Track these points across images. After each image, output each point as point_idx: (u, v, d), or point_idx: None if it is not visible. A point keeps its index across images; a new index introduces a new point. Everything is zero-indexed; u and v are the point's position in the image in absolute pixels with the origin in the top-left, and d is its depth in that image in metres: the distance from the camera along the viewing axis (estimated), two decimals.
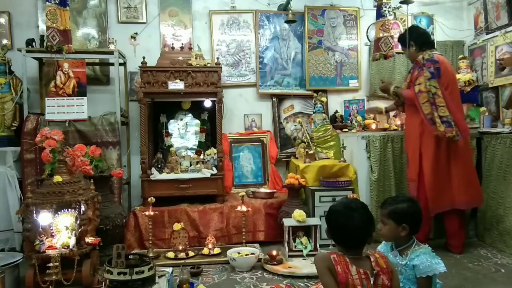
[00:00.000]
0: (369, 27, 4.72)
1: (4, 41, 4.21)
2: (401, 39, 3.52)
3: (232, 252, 3.12)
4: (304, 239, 3.20)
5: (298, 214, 3.18)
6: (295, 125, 4.65)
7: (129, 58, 4.34)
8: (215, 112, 3.88)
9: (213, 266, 3.09)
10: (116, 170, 3.50)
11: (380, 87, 3.76)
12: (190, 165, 3.92)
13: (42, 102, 3.96)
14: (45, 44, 3.70)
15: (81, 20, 4.33)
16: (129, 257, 2.39)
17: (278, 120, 4.67)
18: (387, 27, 3.87)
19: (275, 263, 3.00)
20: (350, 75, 4.75)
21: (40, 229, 2.64)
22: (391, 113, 4.26)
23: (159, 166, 3.87)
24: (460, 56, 4.46)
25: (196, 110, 4.31)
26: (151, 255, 3.05)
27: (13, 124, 3.83)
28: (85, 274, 2.61)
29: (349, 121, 4.43)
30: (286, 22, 4.47)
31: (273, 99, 4.69)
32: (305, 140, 4.15)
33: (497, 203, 3.40)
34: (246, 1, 4.62)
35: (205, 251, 3.27)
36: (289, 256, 3.13)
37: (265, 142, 4.52)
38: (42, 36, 3.89)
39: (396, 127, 3.96)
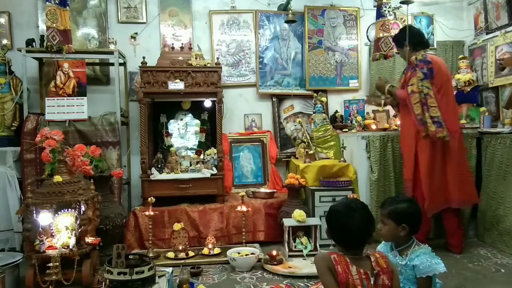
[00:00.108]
0: (369, 27, 4.73)
1: (4, 41, 4.21)
2: (396, 39, 3.53)
3: (232, 252, 3.12)
4: (304, 239, 3.20)
5: (298, 214, 3.18)
6: (295, 125, 4.65)
7: (129, 58, 4.34)
8: (215, 112, 3.88)
9: (213, 266, 3.09)
10: (116, 170, 3.50)
11: (376, 84, 3.77)
12: (190, 165, 3.92)
13: (42, 102, 3.96)
14: (45, 44, 3.70)
15: (81, 20, 4.33)
16: (129, 257, 2.39)
17: (278, 120, 4.67)
18: (387, 27, 3.88)
19: (275, 263, 3.00)
20: (350, 75, 4.75)
21: (40, 229, 2.64)
22: (391, 113, 4.26)
23: (159, 166, 3.87)
24: (460, 56, 4.46)
25: (196, 110, 4.31)
26: (151, 255, 3.05)
27: (13, 124, 3.83)
28: (85, 274, 2.61)
29: (349, 121, 4.43)
30: (286, 22, 4.47)
31: (273, 99, 4.69)
32: (305, 140, 4.15)
33: (497, 203, 3.40)
34: (246, 1, 4.62)
35: (205, 251, 3.27)
36: (289, 256, 3.13)
37: (265, 142, 4.52)
38: (42, 36, 3.90)
39: (396, 127, 3.96)
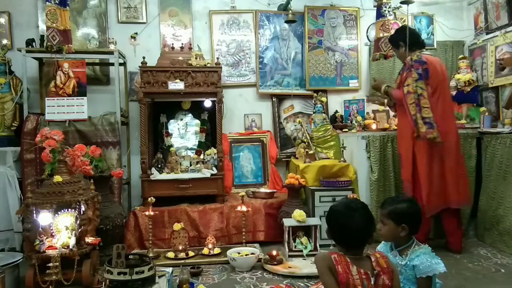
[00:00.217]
0: (369, 27, 4.73)
1: (4, 41, 4.21)
2: (391, 40, 3.54)
3: (232, 252, 3.12)
4: (304, 239, 3.20)
5: (298, 214, 3.18)
6: (295, 125, 4.65)
7: (129, 58, 4.34)
8: (215, 112, 3.88)
9: (213, 266, 3.09)
10: (116, 170, 3.50)
11: (372, 84, 3.78)
12: (190, 165, 3.92)
13: (42, 102, 3.96)
14: (45, 44, 3.70)
15: (81, 20, 4.33)
16: (129, 257, 2.39)
17: (278, 120, 4.67)
18: (387, 27, 3.88)
19: (275, 263, 3.00)
20: (350, 75, 4.75)
21: (40, 229, 2.64)
22: (391, 113, 4.26)
23: (159, 166, 3.87)
24: (460, 56, 4.47)
25: (196, 110, 4.31)
26: (151, 255, 3.05)
27: (13, 124, 3.83)
28: (85, 274, 2.61)
29: (349, 121, 4.43)
30: (286, 22, 4.47)
31: (273, 99, 4.69)
32: (305, 140, 4.15)
33: (497, 203, 3.40)
34: (246, 1, 4.62)
35: (205, 251, 3.27)
36: (289, 256, 3.13)
37: (265, 142, 4.52)
38: (42, 36, 3.89)
39: (396, 127, 3.96)
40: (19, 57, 3.80)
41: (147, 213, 3.26)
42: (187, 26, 4.51)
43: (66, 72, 3.78)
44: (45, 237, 2.64)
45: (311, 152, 3.99)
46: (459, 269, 2.92)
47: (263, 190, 4.10)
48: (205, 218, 3.60)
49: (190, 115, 4.32)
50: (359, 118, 4.22)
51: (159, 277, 2.45)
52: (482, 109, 4.12)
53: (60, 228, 2.70)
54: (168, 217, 3.57)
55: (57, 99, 3.73)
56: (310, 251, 3.14)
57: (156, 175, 3.69)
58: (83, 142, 3.63)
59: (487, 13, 4.31)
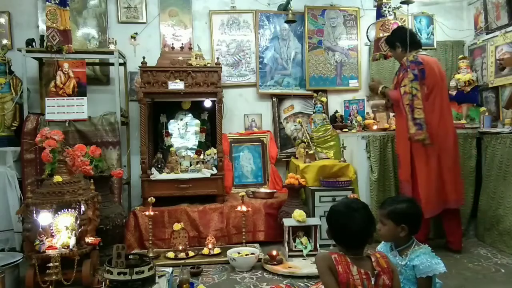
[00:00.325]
0: (369, 27, 4.73)
1: (4, 41, 4.21)
2: (388, 41, 3.54)
3: (232, 252, 3.12)
4: (304, 239, 3.20)
5: (298, 214, 3.18)
6: (295, 125, 4.65)
7: (129, 58, 4.34)
8: (215, 112, 3.88)
9: (213, 266, 3.09)
10: (116, 170, 3.50)
11: (369, 85, 3.79)
12: (190, 165, 3.92)
13: (42, 102, 3.96)
14: (45, 44, 3.70)
15: (81, 20, 4.33)
16: (129, 257, 2.39)
17: (278, 120, 4.67)
18: (387, 27, 3.87)
19: (275, 263, 3.00)
20: (350, 75, 4.75)
21: (40, 229, 2.64)
22: (391, 114, 4.26)
23: (159, 166, 3.87)
24: (460, 56, 4.47)
25: (196, 110, 4.31)
26: (151, 255, 3.05)
27: (13, 124, 3.83)
28: (85, 274, 2.61)
29: (349, 121, 4.43)
30: (286, 22, 4.47)
31: (273, 99, 4.69)
32: (305, 140, 4.15)
33: (497, 203, 3.40)
34: (246, 1, 4.62)
35: (205, 251, 3.27)
36: (289, 256, 3.13)
37: (265, 142, 4.52)
38: (42, 36, 3.89)
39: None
40: (19, 57, 3.80)
41: (147, 213, 3.26)
42: (187, 26, 4.51)
43: (66, 72, 3.78)
44: (45, 237, 2.63)
45: (311, 152, 3.99)
46: (459, 269, 2.92)
47: (263, 190, 4.10)
48: (205, 218, 3.60)
49: (190, 115, 4.32)
50: (359, 118, 4.22)
51: (159, 277, 2.45)
52: (482, 109, 4.13)
53: (60, 228, 2.70)
54: (168, 217, 3.57)
55: (57, 99, 3.73)
56: (310, 251, 3.14)
57: (156, 175, 3.69)
58: (83, 142, 3.63)
59: (487, 13, 4.31)
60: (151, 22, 4.47)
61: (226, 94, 4.27)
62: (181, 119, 4.31)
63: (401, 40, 3.33)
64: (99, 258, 2.90)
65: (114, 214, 3.31)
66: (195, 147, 4.25)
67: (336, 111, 4.56)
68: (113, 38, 4.18)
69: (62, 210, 2.73)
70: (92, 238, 2.78)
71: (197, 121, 4.32)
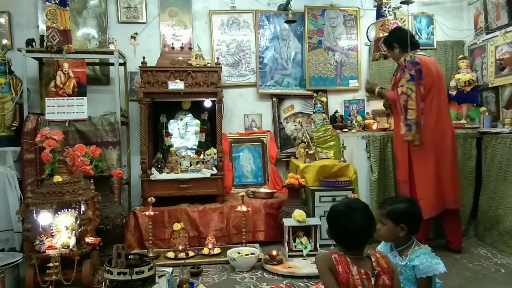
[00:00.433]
0: (369, 27, 4.73)
1: (4, 41, 4.21)
2: (385, 41, 3.55)
3: (232, 252, 3.12)
4: (304, 239, 3.20)
5: (298, 214, 3.18)
6: (295, 125, 4.65)
7: (129, 58, 4.34)
8: (215, 112, 3.88)
9: (213, 266, 3.09)
10: (116, 170, 3.50)
11: (366, 87, 3.80)
12: (190, 165, 3.92)
13: (42, 102, 3.96)
14: (45, 44, 3.70)
15: (81, 20, 4.33)
16: (129, 257, 2.39)
17: (278, 120, 4.67)
18: (387, 27, 3.87)
19: (275, 263, 3.00)
20: (350, 75, 4.75)
21: (40, 229, 2.64)
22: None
23: (159, 166, 3.87)
24: (460, 56, 4.47)
25: (196, 110, 4.31)
26: (151, 255, 3.05)
27: (13, 124, 3.83)
28: (85, 274, 2.61)
29: (349, 121, 4.43)
30: (286, 22, 4.47)
31: (273, 99, 4.69)
32: (305, 140, 4.15)
33: (497, 203, 3.40)
34: (246, 1, 4.62)
35: (205, 251, 3.27)
36: (289, 256, 3.13)
37: (265, 142, 4.52)
38: (42, 36, 3.89)
39: None
40: (19, 57, 3.80)
41: (147, 213, 3.26)
42: (187, 26, 4.51)
43: (66, 72, 3.78)
44: (45, 237, 2.63)
45: (311, 152, 3.99)
46: (459, 269, 2.92)
47: (263, 190, 4.10)
48: (205, 218, 3.60)
49: (190, 115, 4.32)
50: (359, 118, 4.22)
51: (159, 277, 2.45)
52: (482, 109, 4.13)
53: (60, 228, 2.70)
54: (168, 217, 3.57)
55: (57, 99, 3.73)
56: (310, 251, 3.14)
57: (156, 175, 3.69)
58: (83, 142, 3.63)
59: (487, 13, 4.31)
60: (151, 22, 4.47)
61: (226, 94, 4.27)
62: (181, 119, 4.31)
63: (399, 41, 3.34)
64: (99, 258, 2.90)
65: (114, 214, 3.31)
66: (195, 147, 4.25)
67: (336, 111, 4.56)
68: (113, 38, 4.18)
69: (62, 210, 2.73)
70: (92, 238, 2.78)
71: (197, 121, 4.32)
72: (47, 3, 3.61)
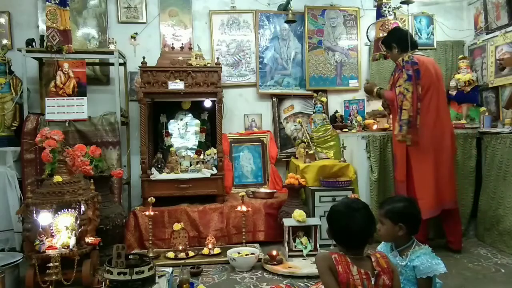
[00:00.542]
0: (369, 27, 4.73)
1: (4, 41, 4.21)
2: (384, 41, 3.56)
3: (232, 252, 3.12)
4: (304, 239, 3.20)
5: (298, 214, 3.18)
6: (295, 125, 4.65)
7: (129, 58, 4.34)
8: (215, 112, 3.88)
9: (213, 266, 3.09)
10: (116, 170, 3.50)
11: (365, 87, 3.80)
12: (190, 165, 3.92)
13: (42, 102, 3.96)
14: (45, 44, 3.70)
15: (81, 20, 4.33)
16: (129, 257, 2.39)
17: (278, 120, 4.67)
18: (387, 27, 3.87)
19: (275, 263, 3.00)
20: (350, 75, 4.75)
21: (40, 229, 2.64)
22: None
23: (159, 166, 3.87)
24: (460, 56, 4.47)
25: (196, 110, 4.31)
26: (151, 255, 3.05)
27: (13, 124, 3.83)
28: (85, 274, 2.61)
29: (349, 121, 4.43)
30: (286, 22, 4.47)
31: (273, 99, 4.69)
32: (305, 140, 4.15)
33: (497, 203, 3.40)
34: (246, 1, 4.62)
35: (205, 251, 3.27)
36: (289, 256, 3.13)
37: (265, 142, 4.52)
38: (42, 36, 3.89)
39: None
40: (19, 57, 3.79)
41: (147, 213, 3.26)
42: (187, 26, 4.51)
43: (66, 72, 3.78)
44: (45, 237, 2.63)
45: (311, 152, 3.99)
46: (459, 269, 2.92)
47: (263, 190, 4.10)
48: (205, 218, 3.60)
49: (190, 115, 4.32)
50: (359, 118, 4.22)
51: (159, 277, 2.45)
52: (482, 109, 4.13)
53: (60, 228, 2.70)
54: (168, 217, 3.57)
55: (57, 99, 3.73)
56: (310, 251, 3.14)
57: (156, 175, 3.69)
58: (83, 142, 3.63)
59: (487, 13, 4.31)
60: (151, 22, 4.47)
61: (226, 94, 4.27)
62: (181, 119, 4.31)
63: (397, 41, 3.34)
64: (99, 258, 2.90)
65: (114, 214, 3.31)
66: (195, 147, 4.25)
67: (336, 111, 4.56)
68: (113, 38, 4.18)
69: (62, 210, 2.73)
70: (92, 238, 2.78)
71: (197, 121, 4.32)
72: (47, 3, 3.62)
